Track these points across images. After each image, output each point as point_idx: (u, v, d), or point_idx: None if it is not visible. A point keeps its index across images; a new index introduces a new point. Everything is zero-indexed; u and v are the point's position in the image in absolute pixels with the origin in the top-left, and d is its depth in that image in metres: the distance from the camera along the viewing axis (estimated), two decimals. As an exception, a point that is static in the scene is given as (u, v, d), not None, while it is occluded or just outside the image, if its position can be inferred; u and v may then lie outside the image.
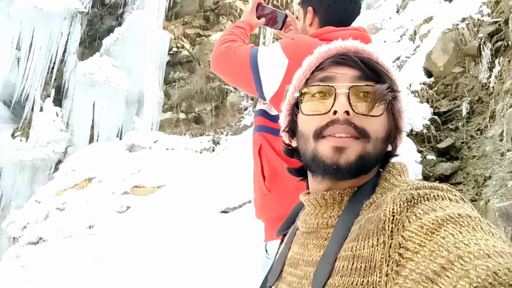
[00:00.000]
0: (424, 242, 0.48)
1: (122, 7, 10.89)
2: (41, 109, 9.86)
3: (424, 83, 5.31)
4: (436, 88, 5.13)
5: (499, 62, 4.34)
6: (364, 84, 0.66)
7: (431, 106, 4.90)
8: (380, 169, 0.72)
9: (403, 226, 0.52)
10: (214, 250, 3.96)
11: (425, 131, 4.52)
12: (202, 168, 6.91)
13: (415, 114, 4.68)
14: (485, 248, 0.43)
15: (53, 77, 10.45)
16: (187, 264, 3.98)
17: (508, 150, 3.45)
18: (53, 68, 10.42)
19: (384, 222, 0.54)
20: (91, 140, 9.56)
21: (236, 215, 4.36)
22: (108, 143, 9.02)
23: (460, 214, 0.50)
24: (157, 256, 4.37)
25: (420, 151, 4.26)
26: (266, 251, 1.50)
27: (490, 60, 4.49)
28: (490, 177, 3.49)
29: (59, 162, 9.28)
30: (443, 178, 3.95)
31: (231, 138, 8.40)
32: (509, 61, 4.06)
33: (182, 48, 10.23)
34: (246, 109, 9.33)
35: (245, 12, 1.80)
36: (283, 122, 0.79)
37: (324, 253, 0.62)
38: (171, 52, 10.19)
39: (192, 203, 5.35)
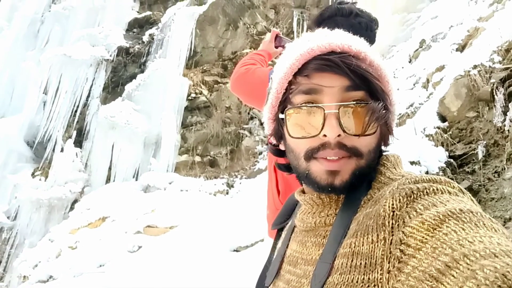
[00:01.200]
0: (426, 239, 0.47)
1: (145, 56, 11.51)
2: (62, 150, 10.16)
3: (438, 127, 5.34)
4: (450, 132, 5.15)
5: (512, 106, 4.37)
6: (354, 102, 0.62)
7: (446, 150, 4.90)
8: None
9: (404, 222, 0.51)
10: (226, 285, 3.85)
11: (441, 173, 4.48)
12: (216, 210, 6.89)
13: (430, 157, 4.67)
14: (491, 247, 0.42)
15: (76, 120, 10.87)
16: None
17: (527, 191, 3.39)
18: (76, 111, 10.87)
19: (384, 218, 0.53)
20: (107, 180, 9.71)
21: (248, 253, 4.29)
22: (124, 183, 9.14)
23: (462, 210, 0.49)
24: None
25: (436, 193, 4.20)
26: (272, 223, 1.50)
27: (504, 104, 4.54)
28: (510, 219, 3.40)
29: (75, 201, 9.39)
30: (461, 220, 3.86)
31: (245, 181, 8.43)
32: (523, 104, 4.10)
33: (200, 94, 10.61)
34: (261, 153, 9.43)
35: (263, 42, 1.92)
36: (267, 126, 0.75)
37: (323, 252, 0.61)
38: (190, 97, 10.57)
39: (204, 242, 5.29)
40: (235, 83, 1.69)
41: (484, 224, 0.47)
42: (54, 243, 7.73)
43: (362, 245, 0.54)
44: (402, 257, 0.48)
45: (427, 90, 7.24)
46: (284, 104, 0.68)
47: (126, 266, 5.69)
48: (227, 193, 8.25)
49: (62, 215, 9.32)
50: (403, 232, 0.50)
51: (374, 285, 0.50)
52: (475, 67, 5.57)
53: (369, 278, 0.51)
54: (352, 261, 0.54)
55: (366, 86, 0.63)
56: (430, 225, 0.48)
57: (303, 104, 0.64)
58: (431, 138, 5.20)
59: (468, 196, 0.57)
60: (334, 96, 0.62)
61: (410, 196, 0.53)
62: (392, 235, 0.51)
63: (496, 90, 4.74)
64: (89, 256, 6.46)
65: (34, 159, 11.15)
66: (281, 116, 0.67)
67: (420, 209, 0.51)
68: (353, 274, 0.53)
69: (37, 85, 11.21)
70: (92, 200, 8.53)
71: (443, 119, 5.56)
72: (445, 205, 0.50)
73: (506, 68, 4.91)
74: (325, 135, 0.61)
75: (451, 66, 6.57)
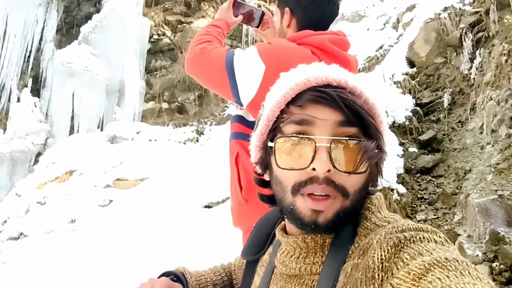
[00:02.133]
0: None
1: (100, -8, 10.55)
2: (18, 100, 9.57)
3: (406, 74, 5.32)
4: (418, 79, 5.14)
5: (480, 53, 4.36)
6: (347, 138, 0.60)
7: (414, 97, 4.92)
8: None
9: (392, 273, 0.50)
10: (197, 245, 3.94)
11: (407, 122, 4.54)
12: (186, 160, 6.85)
13: (397, 106, 4.69)
14: None
15: (30, 66, 10.12)
16: (171, 259, 3.96)
17: (487, 144, 3.49)
18: (29, 56, 10.08)
19: (374, 270, 0.52)
20: (71, 131, 9.34)
21: (220, 210, 4.34)
22: (89, 134, 8.84)
23: (447, 258, 0.48)
24: (140, 251, 4.34)
25: (402, 144, 4.28)
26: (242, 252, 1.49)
27: (472, 51, 4.51)
28: (470, 170, 3.53)
29: (39, 154, 9.07)
30: (425, 171, 3.99)
31: (215, 128, 8.33)
32: (490, 52, 4.08)
33: (163, 35, 10.00)
34: (229, 98, 9.23)
35: (221, 9, 1.72)
36: (254, 153, 0.73)
37: None
38: (152, 40, 9.95)
39: (175, 197, 5.30)
40: (189, 64, 1.53)
41: (469, 273, 0.46)
42: (22, 198, 7.57)
43: None
44: None
45: (397, 31, 7.11)
46: (274, 132, 0.66)
47: (97, 221, 5.69)
48: (197, 141, 8.17)
49: (27, 168, 9.04)
50: (391, 284, 0.49)
51: None
52: (445, 9, 5.44)
53: None
54: None
55: (360, 123, 0.62)
56: (416, 274, 0.47)
57: (294, 134, 0.62)
58: (399, 85, 5.19)
59: (453, 246, 0.56)
60: (327, 129, 0.60)
61: (398, 246, 0.53)
62: (381, 287, 0.51)
63: (465, 36, 4.68)
64: (59, 211, 6.39)
65: (-12, 110, 10.49)
66: (270, 144, 0.66)
67: (406, 258, 0.51)
68: None
69: (-19, 28, 10.19)
70: (57, 153, 8.26)
71: (411, 64, 5.52)
72: (431, 253, 0.50)
73: (476, 12, 4.81)
74: (314, 169, 0.59)
75: (421, 6, 6.40)
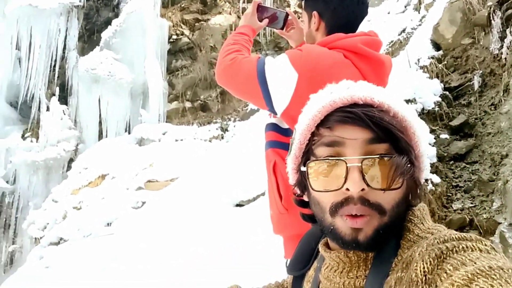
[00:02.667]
0: None
1: (117, -3, 10.70)
2: (48, 109, 9.88)
3: (432, 57, 5.17)
4: (445, 62, 4.99)
5: (510, 32, 4.18)
6: (378, 156, 0.61)
7: (441, 81, 4.79)
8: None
9: (436, 285, 0.50)
10: (231, 244, 4.00)
11: (436, 108, 4.43)
12: (213, 157, 6.93)
13: (425, 91, 4.57)
14: None
15: (56, 75, 10.41)
16: (206, 257, 4.04)
17: (524, 127, 3.37)
18: (55, 66, 10.37)
19: (417, 284, 0.52)
20: (100, 136, 9.60)
21: (251, 208, 4.38)
22: (117, 138, 9.05)
23: (491, 267, 0.47)
24: (175, 252, 4.44)
25: (432, 130, 4.18)
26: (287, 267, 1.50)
27: (501, 29, 4.33)
28: (507, 155, 3.43)
29: (71, 160, 9.37)
30: (458, 158, 3.89)
31: (239, 123, 8.37)
32: (522, 30, 3.91)
33: (182, 35, 10.06)
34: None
35: (245, 15, 1.72)
36: (291, 176, 0.75)
37: None
38: (171, 40, 10.04)
39: (206, 196, 5.38)
40: (222, 77, 1.55)
41: None
42: (58, 204, 7.87)
43: None
44: None
45: (419, 13, 6.90)
46: (307, 155, 0.68)
47: (133, 223, 5.85)
48: (222, 138, 8.23)
49: (61, 174, 9.36)
50: None
51: None
52: (470, -13, 5.23)
53: None
54: None
55: (390, 139, 0.62)
56: (459, 286, 0.46)
57: (325, 157, 0.63)
58: (425, 69, 5.05)
59: (502, 254, 0.54)
60: (357, 149, 0.61)
61: (440, 257, 0.52)
62: None
63: (493, 14, 4.50)
64: (95, 215, 6.61)
65: (21, 120, 10.89)
66: (303, 168, 0.67)
67: (449, 269, 0.50)
68: None
69: (8, 41, 10.53)
70: (88, 158, 8.52)
71: (437, 47, 5.36)
72: (475, 263, 0.49)
73: (504, -11, 4.61)
74: (348, 189, 0.60)
75: (444, -15, 6.18)
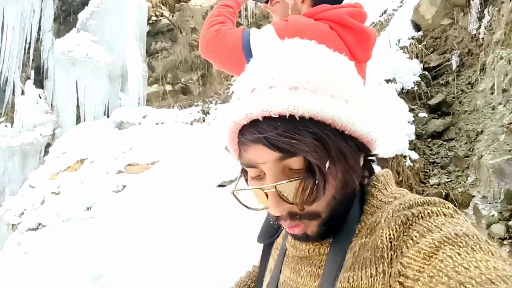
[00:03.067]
0: (423, 268, 0.46)
1: (93, -24, 10.32)
2: (23, 92, 9.57)
3: (412, 38, 5.21)
4: (425, 42, 5.04)
5: (488, 12, 4.23)
6: (286, 181, 0.56)
7: (421, 61, 4.84)
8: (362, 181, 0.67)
9: (402, 252, 0.50)
10: (212, 226, 3.99)
11: (416, 88, 4.49)
12: (194, 140, 6.86)
13: (405, 71, 4.61)
14: (487, 272, 0.40)
15: (31, 58, 10.06)
16: (188, 239, 4.03)
17: (499, 104, 3.44)
18: (29, 48, 10.01)
19: (382, 250, 0.52)
20: (78, 120, 9.37)
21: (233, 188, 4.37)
22: (96, 122, 8.86)
23: (457, 234, 0.47)
24: (157, 234, 4.41)
25: (411, 109, 4.24)
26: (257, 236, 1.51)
27: (480, 10, 4.39)
28: (482, 131, 3.50)
29: (48, 145, 9.14)
30: (436, 135, 3.96)
31: (220, 106, 8.30)
32: (499, 10, 3.96)
33: (162, 16, 9.83)
34: (233, 75, 9.14)
35: None
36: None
37: None
38: (150, 21, 9.80)
39: (187, 178, 5.35)
40: (205, 48, 1.50)
41: (481, 248, 0.45)
42: (36, 189, 7.69)
43: (361, 280, 0.52)
44: None
45: (400, -6, 6.91)
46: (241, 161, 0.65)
47: (113, 207, 5.78)
48: (203, 121, 8.16)
49: (38, 160, 9.13)
50: (401, 263, 0.48)
51: None
52: (450, -33, 5.25)
53: None
54: None
55: (301, 148, 0.55)
56: (426, 253, 0.46)
57: (239, 189, 0.61)
58: (405, 50, 5.09)
59: (463, 217, 0.54)
60: (271, 170, 0.57)
61: (406, 224, 0.52)
62: (391, 267, 0.50)
63: (472, -6, 4.54)
64: (74, 200, 6.49)
65: (-6, 104, 10.52)
66: (232, 194, 0.63)
67: (416, 236, 0.50)
68: None
69: (-22, 22, 10.09)
70: (66, 142, 8.32)
71: (417, 28, 5.40)
72: (441, 229, 0.49)
73: (483, -32, 4.64)
74: None
75: (425, -34, 6.19)
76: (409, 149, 3.53)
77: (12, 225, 7.39)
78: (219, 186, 4.71)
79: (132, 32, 9.30)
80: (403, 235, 0.51)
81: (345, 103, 0.59)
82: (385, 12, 6.86)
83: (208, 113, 8.32)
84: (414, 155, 3.49)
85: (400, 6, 6.50)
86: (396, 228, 0.52)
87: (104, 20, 9.28)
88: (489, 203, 2.81)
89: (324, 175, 0.56)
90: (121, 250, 4.38)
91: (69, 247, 5.17)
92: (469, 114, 3.88)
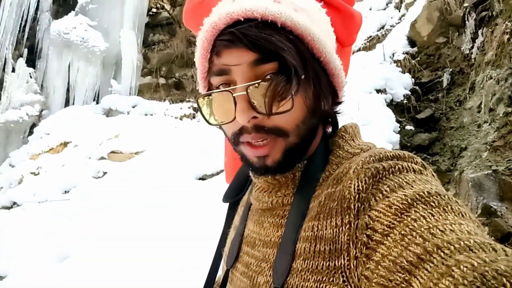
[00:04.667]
0: (394, 224, 0.44)
1: (98, -38, 10.27)
2: (13, 70, 9.42)
3: (407, 53, 5.26)
4: (418, 58, 5.09)
5: (482, 33, 4.30)
6: (260, 80, 0.54)
7: (413, 76, 4.89)
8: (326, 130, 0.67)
9: (369, 205, 0.48)
10: (191, 216, 3.94)
11: (405, 101, 4.52)
12: (182, 135, 6.80)
13: (396, 84, 4.65)
14: (464, 237, 0.39)
15: (25, 36, 9.92)
16: (164, 230, 3.96)
17: (485, 122, 3.48)
18: (25, 26, 9.87)
19: (349, 201, 0.50)
20: (66, 103, 9.24)
21: (213, 182, 4.33)
22: (84, 106, 8.74)
23: (430, 193, 0.46)
24: (133, 222, 4.33)
25: (399, 121, 4.26)
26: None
27: (474, 30, 4.45)
28: (466, 148, 3.53)
29: (34, 125, 8.99)
30: (420, 148, 3.98)
31: (212, 104, 8.25)
32: (492, 31, 4.02)
33: (162, 9, 9.80)
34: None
35: None
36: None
37: (282, 241, 0.57)
38: (151, 13, 9.76)
39: (169, 169, 5.28)
40: (188, 16, 1.48)
41: (452, 209, 0.45)
42: (15, 168, 7.53)
43: (325, 229, 0.51)
44: (369, 243, 0.46)
45: (399, 11, 7.00)
46: (209, 86, 0.63)
47: (91, 192, 5.67)
48: (193, 117, 8.11)
49: (21, 139, 8.96)
50: (369, 216, 0.47)
51: (341, 272, 0.48)
52: (450, -12, 5.34)
53: (335, 265, 0.49)
54: (315, 246, 0.52)
55: (276, 56, 0.54)
56: (398, 209, 0.45)
57: (207, 92, 0.59)
58: (399, 64, 5.14)
59: (431, 171, 0.54)
60: (244, 74, 0.55)
61: (376, 177, 0.50)
62: (358, 219, 0.48)
63: (468, 15, 4.61)
64: (53, 182, 6.36)
65: (-17, 79, 10.33)
66: (198, 101, 0.61)
67: (386, 191, 0.48)
68: (317, 260, 0.51)
69: (-25, -5, 9.93)
70: (52, 124, 8.18)
71: (413, 44, 5.45)
72: (412, 186, 0.48)
73: (481, -9, 4.73)
74: None
75: (426, -15, 6.29)
76: (392, 158, 3.54)
77: (-14, 202, 7.20)
78: (200, 179, 4.66)
79: (130, 21, 9.25)
80: (372, 188, 0.50)
81: (325, 33, 0.59)
82: (383, 27, 6.93)
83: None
84: (397, 165, 3.49)
85: (398, 23, 6.58)
86: (365, 180, 0.50)
87: (104, 5, 9.22)
88: (466, 217, 2.83)
89: (298, 78, 0.54)
90: (93, 234, 4.29)
91: (40, 228, 5.05)
92: (455, 130, 3.91)
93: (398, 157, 0.54)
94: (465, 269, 0.36)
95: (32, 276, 3.80)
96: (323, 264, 0.50)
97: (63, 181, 6.30)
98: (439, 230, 0.41)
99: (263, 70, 0.55)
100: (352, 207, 0.49)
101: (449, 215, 0.44)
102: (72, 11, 9.58)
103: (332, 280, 0.49)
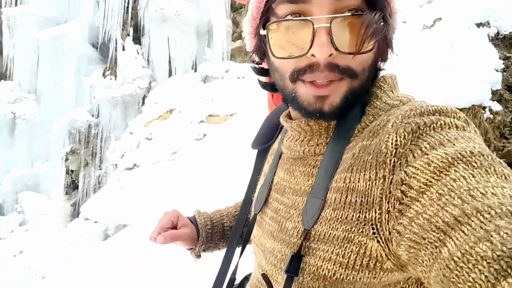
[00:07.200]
0: (431, 182, 0.42)
1: None
2: (123, 48, 10.55)
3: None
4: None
5: None
6: (349, 14, 0.52)
7: (526, 2, 4.16)
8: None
9: (407, 160, 0.46)
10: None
11: (514, 34, 3.91)
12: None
13: (502, 13, 4.03)
14: (507, 202, 0.37)
15: (130, 16, 10.94)
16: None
17: None
18: (127, 7, 10.87)
19: (385, 155, 0.48)
20: (170, 74, 10.10)
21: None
22: (184, 76, 9.46)
23: (473, 152, 0.43)
24: (232, 179, 4.70)
25: (507, 57, 3.73)
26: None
27: None
28: None
29: (145, 96, 10.08)
30: (530, 87, 3.46)
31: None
32: None
33: (247, -30, 9.80)
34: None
35: None
36: (248, 41, 0.65)
37: (314, 186, 0.56)
38: (236, -24, 9.86)
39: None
40: None
41: (495, 171, 0.42)
42: (134, 135, 8.64)
43: (358, 182, 0.50)
44: (403, 199, 0.44)
45: None
46: (266, 15, 0.57)
47: (194, 152, 6.27)
48: (284, 76, 8.18)
49: (136, 109, 10.16)
50: (405, 172, 0.45)
51: (371, 225, 0.48)
52: None
53: (365, 217, 0.48)
54: (346, 197, 0.51)
55: None
56: (437, 167, 0.43)
57: (288, 17, 0.54)
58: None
59: (473, 127, 0.51)
60: (325, 5, 0.51)
61: (416, 132, 0.47)
62: (393, 174, 0.46)
63: None
64: (163, 145, 7.18)
65: (102, 59, 11.81)
66: (262, 32, 0.57)
67: (426, 147, 0.46)
68: (347, 211, 0.50)
69: (87, -15, 11.21)
70: (159, 94, 9.09)
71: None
72: (454, 144, 0.45)
73: None
74: (314, 55, 0.52)
75: None
76: (491, 99, 3.16)
77: (115, 165, 8.48)
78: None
79: (217, -13, 9.48)
80: (411, 144, 0.47)
81: None
82: None
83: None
84: (497, 106, 3.12)
85: None
86: (404, 135, 0.47)
87: (193, -23, 9.59)
88: None
89: (385, 17, 0.54)
90: (200, 189, 4.80)
91: (157, 185, 5.81)
92: None
93: (440, 111, 0.50)
94: (505, 235, 0.34)
95: (148, 225, 4.48)
96: (353, 215, 0.49)
97: (171, 144, 7.07)
98: (480, 192, 0.39)
99: (345, 5, 0.52)
100: (388, 161, 0.47)
101: (491, 177, 0.41)
102: (166, -14, 10.19)
103: (362, 231, 0.48)
